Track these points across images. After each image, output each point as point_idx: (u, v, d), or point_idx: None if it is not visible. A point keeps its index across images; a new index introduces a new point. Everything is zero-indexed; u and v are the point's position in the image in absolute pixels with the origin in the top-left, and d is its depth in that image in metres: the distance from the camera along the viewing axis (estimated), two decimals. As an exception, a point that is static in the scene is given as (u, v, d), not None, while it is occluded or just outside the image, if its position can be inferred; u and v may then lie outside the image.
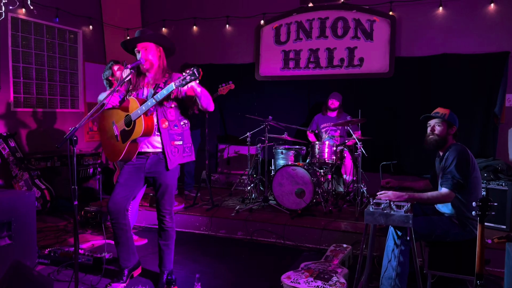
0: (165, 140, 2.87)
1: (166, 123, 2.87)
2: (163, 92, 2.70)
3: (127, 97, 2.92)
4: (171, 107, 2.89)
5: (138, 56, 2.86)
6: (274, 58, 6.23)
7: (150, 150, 2.91)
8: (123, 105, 2.91)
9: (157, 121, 2.86)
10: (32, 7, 5.39)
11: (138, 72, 2.91)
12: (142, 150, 2.92)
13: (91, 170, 5.83)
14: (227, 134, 6.58)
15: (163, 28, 6.81)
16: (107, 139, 3.00)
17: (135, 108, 2.78)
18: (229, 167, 6.31)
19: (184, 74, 2.58)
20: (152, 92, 2.87)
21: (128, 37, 6.85)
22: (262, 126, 5.07)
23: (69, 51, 6.28)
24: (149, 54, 2.86)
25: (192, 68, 2.57)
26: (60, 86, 6.17)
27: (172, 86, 2.65)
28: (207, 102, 2.82)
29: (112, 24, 6.73)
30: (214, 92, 4.91)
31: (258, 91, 6.37)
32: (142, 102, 2.79)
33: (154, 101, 2.73)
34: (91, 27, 6.48)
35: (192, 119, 5.18)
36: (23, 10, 5.52)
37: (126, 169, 2.96)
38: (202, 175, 4.98)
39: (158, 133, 2.87)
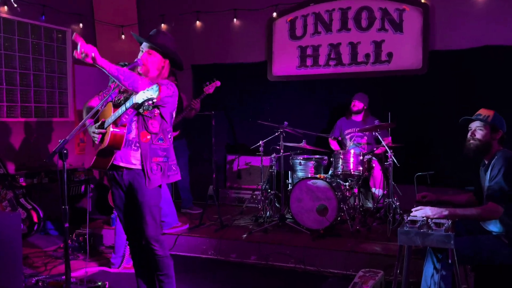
0: (145, 156, 2.82)
1: (148, 137, 2.83)
2: (126, 105, 2.66)
3: (115, 99, 2.92)
4: (153, 116, 2.83)
5: (140, 55, 2.90)
6: (289, 55, 6.23)
7: (123, 165, 2.88)
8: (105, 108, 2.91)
9: (138, 134, 2.82)
10: (15, 5, 5.49)
11: None
12: (116, 163, 2.88)
13: (83, 187, 5.88)
14: (237, 143, 6.63)
15: (162, 24, 6.88)
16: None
17: (109, 115, 2.79)
18: (239, 181, 6.33)
19: (147, 88, 2.57)
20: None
21: (123, 36, 6.95)
22: (276, 134, 5.08)
23: (57, 52, 6.37)
24: (150, 59, 2.88)
25: (154, 85, 2.53)
26: (47, 92, 6.27)
27: (131, 100, 2.60)
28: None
29: (104, 21, 6.81)
30: (200, 93, 5.02)
31: (272, 93, 6.38)
32: (118, 108, 2.80)
33: (123, 109, 2.68)
34: (81, 25, 6.57)
35: (177, 126, 5.23)
36: (5, 8, 5.62)
37: (113, 189, 2.99)
38: (208, 190, 4.98)
39: (137, 147, 2.84)
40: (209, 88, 4.98)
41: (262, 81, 6.39)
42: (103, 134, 2.81)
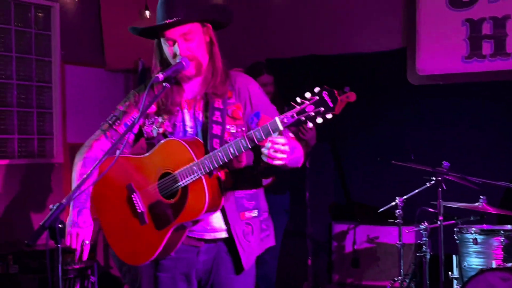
0: (231, 213, 2.98)
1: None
2: (251, 137, 2.70)
3: (156, 131, 3.05)
4: None
5: (169, 48, 3.01)
6: (449, 37, 6.16)
7: (208, 236, 3.03)
8: (151, 153, 3.00)
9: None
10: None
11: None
12: (192, 235, 3.03)
13: (78, 282, 5.86)
14: (351, 200, 6.65)
15: (216, -10, 7.02)
16: (116, 219, 3.10)
17: (186, 162, 2.86)
18: (357, 272, 6.23)
19: (302, 101, 2.59)
20: (200, 119, 3.02)
21: (147, 12, 7.01)
22: (428, 184, 5.07)
23: (35, 44, 6.49)
24: (192, 44, 2.97)
25: (320, 90, 2.61)
26: (18, 114, 6.37)
27: (277, 124, 2.64)
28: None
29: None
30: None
31: (416, 106, 6.41)
32: (194, 145, 2.89)
33: (232, 151, 2.76)
34: (76, -5, 6.76)
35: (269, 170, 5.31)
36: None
37: (164, 277, 3.08)
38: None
39: None
40: (335, 104, 4.93)
41: (397, 84, 6.42)
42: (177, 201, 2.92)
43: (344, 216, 6.50)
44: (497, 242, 5.00)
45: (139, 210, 2.99)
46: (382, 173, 6.11)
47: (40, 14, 6.55)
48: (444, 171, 4.88)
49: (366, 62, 6.47)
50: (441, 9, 6.15)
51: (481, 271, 4.71)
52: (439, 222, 4.88)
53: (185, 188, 2.86)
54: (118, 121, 3.11)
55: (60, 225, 2.43)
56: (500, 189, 5.67)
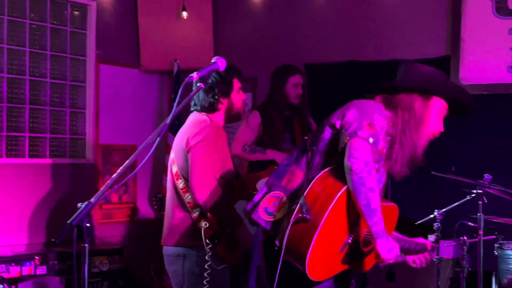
0: None
1: None
2: None
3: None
4: None
5: None
6: (494, 46, 6.10)
7: None
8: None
9: None
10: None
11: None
12: None
13: (105, 285, 5.90)
14: None
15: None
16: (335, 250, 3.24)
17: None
18: (392, 286, 5.83)
19: None
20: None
21: (184, 13, 6.97)
22: (469, 197, 4.98)
23: (70, 42, 6.57)
24: None
25: None
26: (50, 113, 6.44)
27: None
28: None
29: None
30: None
31: (457, 118, 6.14)
32: None
33: None
34: (113, -5, 6.82)
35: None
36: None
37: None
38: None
39: None
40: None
41: (438, 94, 6.24)
42: None
43: (380, 227, 6.40)
44: (540, 260, 4.94)
45: (349, 241, 3.23)
46: (420, 184, 5.98)
47: (76, 12, 6.62)
48: (485, 183, 4.76)
49: (408, 70, 6.39)
50: (487, 17, 6.09)
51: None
52: (479, 237, 4.76)
53: None
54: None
55: (88, 224, 2.43)
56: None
